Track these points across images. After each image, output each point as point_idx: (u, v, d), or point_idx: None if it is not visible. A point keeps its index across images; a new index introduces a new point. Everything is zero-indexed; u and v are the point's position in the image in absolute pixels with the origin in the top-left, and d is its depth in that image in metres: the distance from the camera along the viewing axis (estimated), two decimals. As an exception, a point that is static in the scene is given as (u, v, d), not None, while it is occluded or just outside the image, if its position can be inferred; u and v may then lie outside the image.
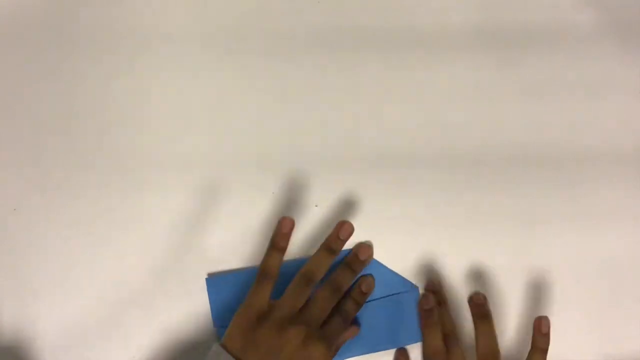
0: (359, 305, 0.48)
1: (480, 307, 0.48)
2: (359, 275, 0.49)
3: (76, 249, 0.50)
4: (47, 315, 0.49)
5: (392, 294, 0.49)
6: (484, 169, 0.51)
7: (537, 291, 0.50)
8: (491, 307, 0.48)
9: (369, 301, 0.49)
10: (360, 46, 0.53)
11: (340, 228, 0.46)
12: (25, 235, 0.50)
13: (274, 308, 0.44)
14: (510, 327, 0.49)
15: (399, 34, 0.53)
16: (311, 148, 0.52)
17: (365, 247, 0.49)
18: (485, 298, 0.48)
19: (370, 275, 0.49)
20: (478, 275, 0.50)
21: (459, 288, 0.50)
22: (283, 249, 0.45)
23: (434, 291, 0.49)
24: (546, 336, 0.45)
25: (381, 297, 0.49)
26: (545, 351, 0.45)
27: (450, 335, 0.48)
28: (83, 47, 0.53)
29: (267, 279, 0.44)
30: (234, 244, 0.50)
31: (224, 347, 0.42)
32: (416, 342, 0.49)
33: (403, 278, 0.50)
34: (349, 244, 0.48)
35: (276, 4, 0.54)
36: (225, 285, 0.48)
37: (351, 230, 0.46)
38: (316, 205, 0.51)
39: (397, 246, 0.50)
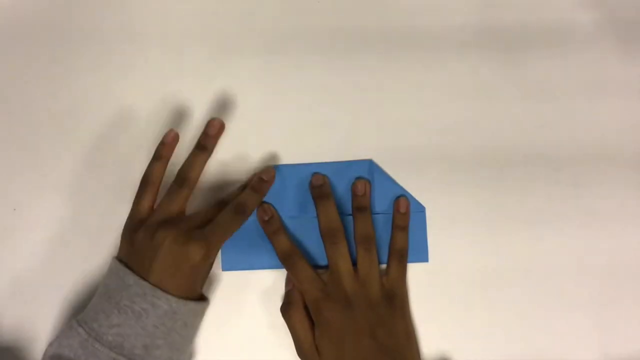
0: (257, 193, 0.47)
1: (360, 199, 0.48)
2: None
3: (76, 249, 0.50)
4: (47, 315, 0.49)
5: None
6: (483, 169, 0.51)
7: (538, 291, 0.50)
8: (485, 298, 0.48)
9: (376, 214, 0.49)
10: (360, 46, 0.53)
11: (209, 124, 0.48)
12: (25, 235, 0.50)
13: (152, 214, 0.45)
14: (510, 326, 0.49)
15: (399, 34, 0.53)
16: (311, 148, 0.52)
17: (269, 168, 0.49)
18: (366, 189, 0.49)
19: (271, 166, 0.49)
20: (478, 275, 0.50)
21: (459, 288, 0.50)
22: (163, 157, 0.47)
23: (358, 195, 0.49)
24: (405, 215, 0.48)
25: (389, 212, 0.50)
26: (404, 228, 0.48)
27: (365, 238, 0.47)
28: (83, 47, 0.53)
29: (148, 188, 0.46)
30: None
31: (119, 257, 0.45)
32: (423, 261, 0.49)
33: (413, 198, 0.50)
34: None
35: (276, 4, 0.54)
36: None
37: (220, 126, 0.48)
38: None
39: (397, 246, 0.50)
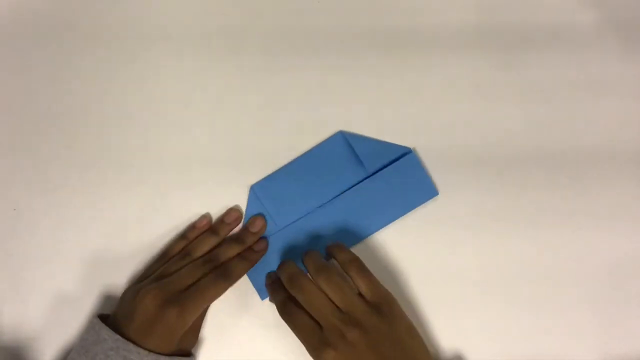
0: (248, 262, 0.48)
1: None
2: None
3: (76, 249, 0.50)
4: (47, 315, 0.49)
5: (389, 163, 0.50)
6: (483, 169, 0.51)
7: (538, 291, 0.50)
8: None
9: (369, 176, 0.50)
10: (360, 46, 0.53)
11: (228, 213, 0.50)
12: (25, 235, 0.50)
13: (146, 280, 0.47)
14: (509, 326, 0.49)
15: (399, 34, 0.53)
16: (310, 147, 0.52)
17: (258, 220, 0.50)
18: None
19: (260, 214, 0.50)
20: (478, 275, 0.50)
21: (459, 288, 0.50)
22: (189, 239, 0.49)
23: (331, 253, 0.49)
24: (331, 246, 0.48)
25: (380, 169, 0.50)
26: (340, 247, 0.47)
27: (318, 269, 0.46)
28: (83, 47, 0.53)
29: (161, 260, 0.48)
30: (234, 244, 0.50)
31: (112, 315, 0.46)
32: (433, 196, 0.50)
33: (395, 144, 0.51)
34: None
35: (276, 4, 0.54)
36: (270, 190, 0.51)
37: (236, 217, 0.50)
38: None
39: (396, 245, 0.50)
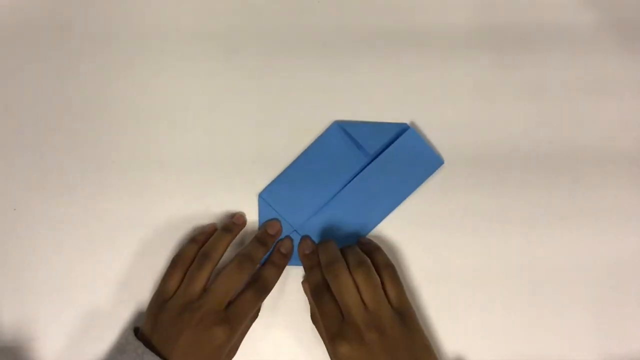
0: (279, 268, 0.49)
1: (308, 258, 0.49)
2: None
3: (76, 249, 0.50)
4: (47, 315, 0.49)
5: (390, 143, 0.50)
6: (483, 169, 0.51)
7: (538, 291, 0.50)
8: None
9: (373, 160, 0.50)
10: (360, 46, 0.53)
11: (235, 216, 0.50)
12: (25, 235, 0.50)
13: (176, 294, 0.45)
14: (509, 326, 0.49)
15: (399, 34, 0.53)
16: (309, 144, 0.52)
17: (273, 224, 0.50)
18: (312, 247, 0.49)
19: (288, 237, 0.50)
20: (478, 275, 0.50)
21: (459, 288, 0.50)
22: (198, 242, 0.48)
23: (365, 243, 0.49)
24: (369, 243, 0.49)
25: (382, 150, 0.50)
26: (376, 249, 0.48)
27: (359, 264, 0.46)
28: (83, 48, 0.53)
29: (177, 266, 0.47)
30: (233, 243, 0.50)
31: (140, 329, 0.45)
32: (439, 165, 0.51)
33: (391, 123, 0.51)
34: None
35: (276, 4, 0.54)
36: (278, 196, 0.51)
37: (244, 221, 0.50)
38: None
39: (396, 245, 0.50)
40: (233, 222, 0.50)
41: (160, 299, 0.45)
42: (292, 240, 0.50)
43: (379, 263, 0.47)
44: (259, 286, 0.47)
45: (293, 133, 0.52)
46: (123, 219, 0.50)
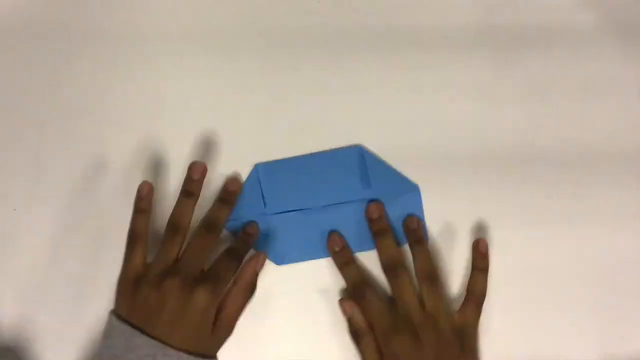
0: (247, 245, 0.48)
1: (415, 232, 0.48)
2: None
3: (76, 249, 0.50)
4: (47, 315, 0.49)
5: (394, 193, 0.50)
6: (483, 169, 0.51)
7: (537, 291, 0.50)
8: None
9: (371, 200, 0.49)
10: (360, 46, 0.53)
11: (192, 169, 0.47)
12: (25, 235, 0.50)
13: (148, 267, 0.44)
14: (509, 326, 0.49)
15: (399, 34, 0.53)
16: (311, 148, 0.52)
17: (233, 179, 0.49)
18: (418, 223, 0.48)
19: (255, 221, 0.49)
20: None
21: (458, 288, 0.50)
22: (144, 210, 0.47)
23: (413, 229, 0.48)
24: (485, 256, 0.47)
25: (384, 196, 0.50)
26: (485, 271, 0.47)
27: (428, 274, 0.46)
28: (83, 47, 0.53)
29: (137, 242, 0.46)
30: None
31: (118, 312, 0.43)
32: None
33: (406, 179, 0.50)
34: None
35: (276, 4, 0.54)
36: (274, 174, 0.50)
37: (203, 169, 0.47)
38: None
39: (397, 246, 0.50)
40: (192, 180, 0.47)
41: (131, 277, 0.44)
42: (257, 224, 0.49)
43: (474, 287, 0.46)
44: (230, 253, 0.46)
45: (293, 133, 0.52)
46: (123, 219, 0.50)
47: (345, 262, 0.48)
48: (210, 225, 0.46)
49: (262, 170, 0.50)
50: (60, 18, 0.53)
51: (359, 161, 0.51)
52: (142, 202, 0.47)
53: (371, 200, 0.49)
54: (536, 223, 0.51)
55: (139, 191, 0.47)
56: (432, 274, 0.46)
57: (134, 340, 0.41)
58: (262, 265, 0.48)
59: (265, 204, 0.50)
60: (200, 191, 0.47)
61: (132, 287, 0.44)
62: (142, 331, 0.41)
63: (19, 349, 0.48)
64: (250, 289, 0.47)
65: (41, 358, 0.48)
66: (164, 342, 0.41)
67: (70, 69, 0.53)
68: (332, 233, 0.49)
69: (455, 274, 0.50)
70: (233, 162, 0.51)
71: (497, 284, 0.49)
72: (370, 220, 0.49)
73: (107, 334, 0.43)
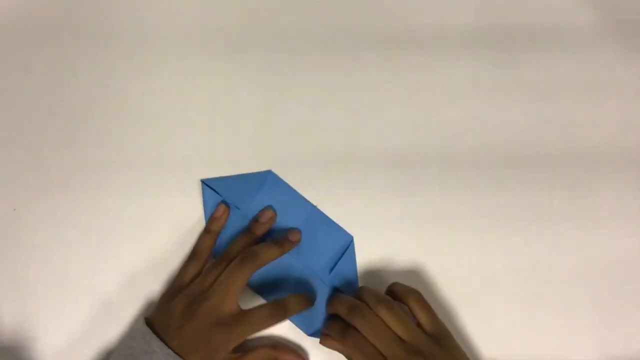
0: (302, 306, 0.47)
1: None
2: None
3: (76, 249, 0.50)
4: (47, 315, 0.49)
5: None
6: (483, 169, 0.51)
7: (537, 291, 0.50)
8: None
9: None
10: (360, 46, 0.53)
11: (262, 213, 0.49)
12: (25, 235, 0.50)
13: (190, 286, 0.46)
14: (509, 326, 0.49)
15: (399, 34, 0.53)
16: (311, 147, 0.52)
17: (267, 211, 0.50)
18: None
19: (269, 207, 0.50)
20: (479, 276, 0.50)
21: (458, 288, 0.50)
22: (213, 231, 0.49)
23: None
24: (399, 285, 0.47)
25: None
26: (393, 283, 0.47)
27: (380, 301, 0.45)
28: (83, 47, 0.53)
29: (195, 257, 0.48)
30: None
31: (149, 318, 0.45)
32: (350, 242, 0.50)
33: (339, 228, 0.50)
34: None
35: (276, 4, 0.54)
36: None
37: (271, 216, 0.49)
38: (316, 205, 0.51)
39: (396, 246, 0.50)
40: (258, 223, 0.49)
41: (173, 289, 0.47)
42: (300, 231, 0.49)
43: (400, 292, 0.47)
44: (277, 307, 0.45)
45: (294, 133, 0.52)
46: (123, 219, 0.50)
47: (328, 317, 0.48)
48: (246, 259, 0.46)
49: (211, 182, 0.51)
50: (60, 18, 0.53)
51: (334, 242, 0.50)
52: (213, 223, 0.49)
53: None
54: (536, 223, 0.51)
55: (214, 212, 0.49)
56: (382, 299, 0.45)
57: (152, 345, 0.43)
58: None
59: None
60: (261, 234, 0.49)
61: (170, 297, 0.46)
62: (162, 339, 0.43)
63: (19, 349, 0.48)
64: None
65: (41, 358, 0.48)
66: (178, 355, 0.42)
67: (70, 69, 0.53)
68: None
69: (454, 274, 0.50)
70: (233, 161, 0.51)
71: (497, 284, 0.50)
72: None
73: (131, 334, 0.45)
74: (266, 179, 0.51)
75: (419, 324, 0.45)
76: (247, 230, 0.49)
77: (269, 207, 0.50)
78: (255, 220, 0.49)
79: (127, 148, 0.51)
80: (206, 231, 0.49)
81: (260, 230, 0.49)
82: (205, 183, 0.50)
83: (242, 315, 0.44)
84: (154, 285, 0.49)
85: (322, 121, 0.52)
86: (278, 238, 0.48)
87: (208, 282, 0.45)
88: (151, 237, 0.50)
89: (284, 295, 0.46)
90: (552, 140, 0.52)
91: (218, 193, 0.50)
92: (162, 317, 0.45)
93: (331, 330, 0.46)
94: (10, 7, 0.54)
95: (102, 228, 0.50)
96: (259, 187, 0.50)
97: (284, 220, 0.50)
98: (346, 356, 0.46)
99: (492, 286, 0.50)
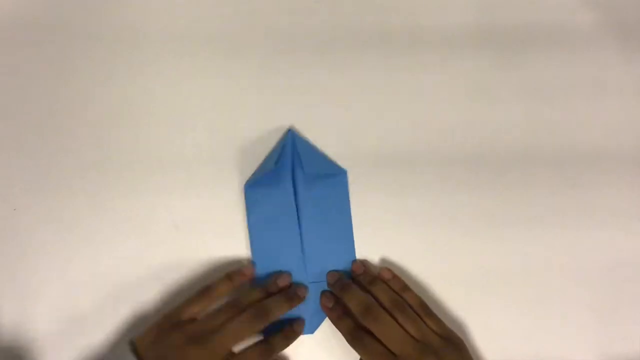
0: (287, 341, 0.48)
1: (364, 275, 0.49)
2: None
3: (76, 249, 0.50)
4: (47, 315, 0.49)
5: (323, 175, 0.50)
6: (484, 169, 0.51)
7: (537, 291, 0.50)
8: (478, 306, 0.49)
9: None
10: (360, 46, 0.53)
11: (279, 277, 0.49)
12: (25, 235, 0.50)
13: (192, 322, 0.45)
14: (509, 326, 0.49)
15: (399, 34, 0.53)
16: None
17: (284, 275, 0.49)
18: (363, 265, 0.49)
19: (301, 318, 0.49)
20: (478, 276, 0.50)
21: (457, 288, 0.50)
22: (234, 282, 0.48)
23: (360, 274, 0.49)
24: (395, 278, 0.49)
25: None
26: (405, 289, 0.48)
27: (394, 303, 0.47)
28: (83, 47, 0.53)
29: (205, 296, 0.46)
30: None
31: (135, 342, 0.44)
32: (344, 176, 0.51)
33: (331, 162, 0.51)
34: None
35: (276, 4, 0.54)
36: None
37: (288, 281, 0.49)
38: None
39: (397, 246, 0.50)
40: (275, 285, 0.48)
41: (176, 318, 0.45)
42: (304, 322, 0.49)
43: (411, 303, 0.47)
44: (266, 347, 0.46)
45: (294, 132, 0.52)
46: (123, 219, 0.50)
47: (338, 316, 0.48)
48: (261, 312, 0.46)
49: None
50: (59, 18, 0.53)
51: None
52: (237, 276, 0.48)
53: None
54: (536, 223, 0.51)
55: (244, 269, 0.48)
56: (397, 302, 0.46)
57: None
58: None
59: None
60: (238, 284, 0.48)
61: (168, 329, 0.45)
62: None
63: (19, 349, 0.48)
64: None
65: (41, 358, 0.48)
66: None
67: (70, 70, 0.53)
68: (323, 292, 0.50)
69: (454, 274, 0.50)
70: (234, 161, 0.51)
71: (496, 283, 0.50)
72: (358, 275, 0.49)
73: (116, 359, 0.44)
74: (339, 175, 0.51)
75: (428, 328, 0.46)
76: (262, 285, 0.48)
77: (288, 274, 0.49)
78: (274, 281, 0.48)
79: (127, 148, 0.51)
80: (227, 277, 0.48)
81: (274, 290, 0.48)
82: (292, 133, 0.50)
83: (233, 357, 0.44)
84: (153, 286, 0.49)
85: (321, 120, 0.52)
86: (288, 294, 0.48)
87: (213, 325, 0.45)
88: (151, 238, 0.50)
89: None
90: (552, 140, 0.52)
91: (298, 152, 0.50)
92: (156, 345, 0.44)
93: (341, 329, 0.47)
94: (10, 7, 0.53)
95: (102, 228, 0.50)
96: (330, 176, 0.51)
97: (322, 216, 0.50)
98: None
99: (491, 286, 0.50)
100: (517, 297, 0.49)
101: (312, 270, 0.50)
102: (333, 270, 0.50)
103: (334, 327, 0.48)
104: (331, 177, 0.51)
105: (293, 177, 0.50)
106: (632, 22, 0.54)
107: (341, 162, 0.51)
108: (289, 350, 0.48)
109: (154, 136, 0.52)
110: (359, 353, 0.45)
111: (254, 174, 0.51)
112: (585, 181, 0.51)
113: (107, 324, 0.49)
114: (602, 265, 0.50)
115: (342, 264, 0.50)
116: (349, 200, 0.51)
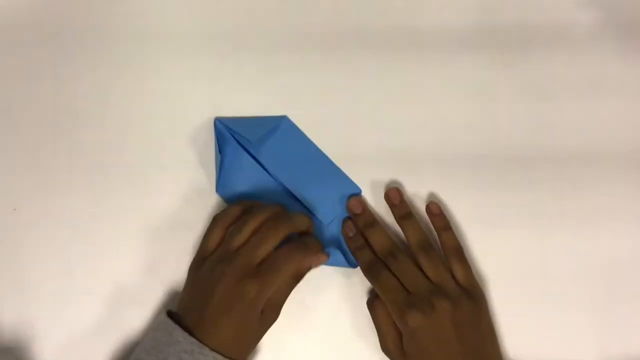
0: (320, 245, 0.47)
1: (400, 207, 0.49)
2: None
3: (76, 249, 0.50)
4: (47, 315, 0.49)
5: (269, 132, 0.50)
6: (483, 169, 0.51)
7: (537, 291, 0.50)
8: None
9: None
10: (360, 46, 0.53)
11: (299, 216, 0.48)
12: (25, 235, 0.50)
13: (216, 251, 0.45)
14: (509, 326, 0.49)
15: (399, 34, 0.53)
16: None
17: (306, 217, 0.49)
18: (399, 194, 0.49)
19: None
20: (477, 275, 0.50)
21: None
22: (244, 206, 0.47)
23: (395, 204, 0.49)
24: (440, 216, 0.48)
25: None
26: (446, 228, 0.48)
27: (420, 242, 0.47)
28: (83, 47, 0.53)
29: (217, 223, 0.46)
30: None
31: (167, 311, 0.45)
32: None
33: (266, 117, 0.51)
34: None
35: (276, 4, 0.54)
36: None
37: (311, 224, 0.48)
38: None
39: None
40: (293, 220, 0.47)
41: (199, 257, 0.46)
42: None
43: (447, 246, 0.47)
44: (297, 245, 0.46)
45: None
46: (123, 219, 0.50)
47: (358, 247, 0.48)
48: (280, 218, 0.46)
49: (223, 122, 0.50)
50: (60, 19, 0.53)
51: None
52: (248, 206, 0.47)
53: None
54: (536, 223, 0.51)
55: (258, 203, 0.47)
56: (424, 244, 0.47)
57: (175, 335, 0.42)
58: (319, 264, 0.48)
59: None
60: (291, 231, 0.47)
61: (198, 266, 0.45)
62: (186, 328, 0.42)
63: (19, 349, 0.48)
64: (298, 280, 0.47)
65: (41, 358, 0.48)
66: (203, 343, 0.42)
67: (70, 69, 0.53)
68: (345, 220, 0.50)
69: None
70: (233, 162, 0.51)
71: (497, 283, 0.50)
72: (392, 206, 0.49)
73: (155, 326, 0.44)
74: (281, 124, 0.51)
75: (453, 277, 0.46)
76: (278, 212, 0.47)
77: (308, 216, 0.48)
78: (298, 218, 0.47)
79: (127, 148, 0.51)
80: (239, 203, 0.47)
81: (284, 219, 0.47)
82: (219, 121, 0.50)
83: (263, 264, 0.44)
84: (153, 286, 0.49)
85: (321, 120, 0.52)
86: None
87: (236, 244, 0.44)
88: (152, 238, 0.50)
89: None
90: (552, 140, 0.52)
91: (231, 129, 0.50)
92: (194, 288, 0.44)
93: (359, 259, 0.47)
94: (10, 7, 0.53)
95: (102, 228, 0.50)
96: (273, 130, 0.51)
97: (294, 167, 0.50)
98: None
99: (490, 286, 0.50)
100: (517, 297, 0.49)
101: (322, 214, 0.50)
102: (353, 196, 0.50)
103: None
104: (278, 129, 0.51)
105: (248, 152, 0.50)
106: (632, 22, 0.54)
107: (341, 162, 0.51)
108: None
109: (155, 136, 0.52)
110: (372, 284, 0.46)
111: (216, 178, 0.50)
112: (586, 181, 0.51)
113: (107, 323, 0.49)
114: (602, 265, 0.50)
115: (345, 195, 0.50)
116: (308, 138, 0.51)
